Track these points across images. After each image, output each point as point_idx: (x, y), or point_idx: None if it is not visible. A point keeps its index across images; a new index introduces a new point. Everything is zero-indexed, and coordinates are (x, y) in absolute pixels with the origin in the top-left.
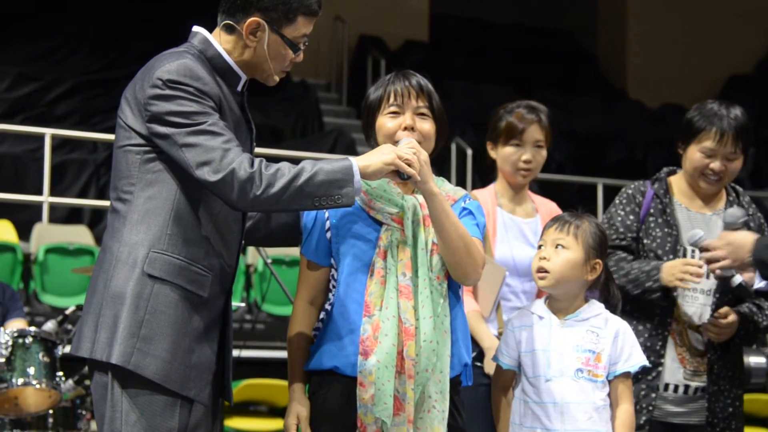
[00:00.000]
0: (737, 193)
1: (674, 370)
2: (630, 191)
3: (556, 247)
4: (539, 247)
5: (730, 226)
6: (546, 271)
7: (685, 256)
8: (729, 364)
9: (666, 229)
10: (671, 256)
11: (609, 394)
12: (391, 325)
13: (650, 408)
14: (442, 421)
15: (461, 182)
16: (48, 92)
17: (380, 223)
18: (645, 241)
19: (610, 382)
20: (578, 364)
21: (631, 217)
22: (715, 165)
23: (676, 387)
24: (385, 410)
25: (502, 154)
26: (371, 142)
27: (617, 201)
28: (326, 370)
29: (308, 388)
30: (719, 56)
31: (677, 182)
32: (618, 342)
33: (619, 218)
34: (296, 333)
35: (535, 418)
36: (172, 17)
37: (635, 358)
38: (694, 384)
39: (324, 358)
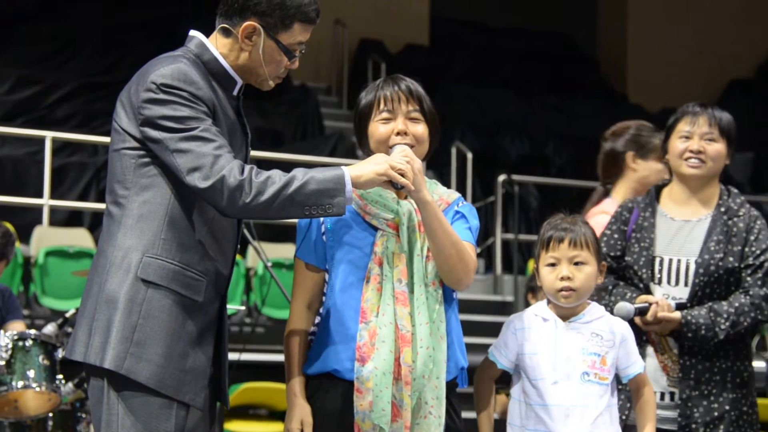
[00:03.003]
0: (730, 193)
1: (657, 378)
2: (619, 209)
3: (576, 264)
4: (551, 264)
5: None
6: (572, 290)
7: (661, 267)
8: (715, 368)
9: (642, 244)
10: (646, 270)
11: (619, 393)
12: (388, 331)
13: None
14: (438, 426)
15: (461, 186)
16: (49, 95)
17: (375, 228)
18: (626, 258)
19: (629, 381)
20: (584, 367)
21: (616, 236)
22: (693, 145)
23: (662, 394)
24: (383, 417)
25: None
26: (364, 148)
27: (609, 219)
28: (324, 374)
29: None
30: (720, 60)
31: (669, 190)
32: (627, 345)
33: (605, 238)
34: (294, 336)
35: (538, 420)
36: (173, 20)
37: (637, 362)
38: (678, 390)
39: (322, 362)
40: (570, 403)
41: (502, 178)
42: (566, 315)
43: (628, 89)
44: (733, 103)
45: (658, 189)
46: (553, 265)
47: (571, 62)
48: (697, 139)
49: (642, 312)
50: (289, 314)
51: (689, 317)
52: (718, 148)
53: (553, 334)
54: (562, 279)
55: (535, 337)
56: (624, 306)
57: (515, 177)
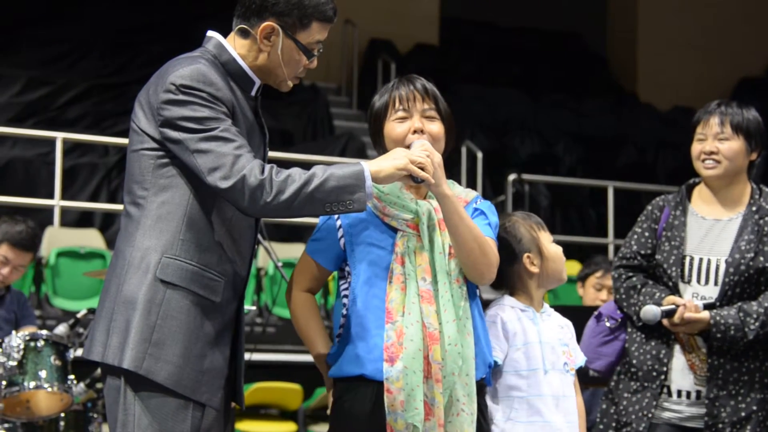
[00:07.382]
0: (761, 192)
1: (684, 376)
2: (650, 207)
3: None
4: None
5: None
6: None
7: (691, 266)
8: (744, 368)
9: (673, 242)
10: (675, 269)
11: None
12: (415, 330)
13: (650, 415)
14: (471, 424)
15: (471, 185)
16: (59, 96)
17: (395, 230)
18: (657, 256)
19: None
20: (564, 358)
21: (647, 234)
22: (706, 146)
23: (689, 393)
24: (417, 415)
25: None
26: (379, 149)
27: (640, 217)
28: (352, 377)
29: (333, 393)
30: (730, 58)
31: (699, 190)
32: (574, 338)
33: (636, 236)
34: (305, 315)
35: (533, 411)
36: (184, 21)
37: (581, 353)
38: (705, 389)
39: (350, 366)
40: (560, 392)
41: (512, 177)
42: (535, 307)
43: (638, 88)
44: (743, 101)
45: (690, 188)
46: None
47: (580, 61)
48: (710, 140)
49: (669, 314)
50: (292, 299)
51: (718, 317)
52: (733, 146)
53: (536, 324)
54: None
55: (523, 327)
56: (650, 309)
57: (525, 176)
